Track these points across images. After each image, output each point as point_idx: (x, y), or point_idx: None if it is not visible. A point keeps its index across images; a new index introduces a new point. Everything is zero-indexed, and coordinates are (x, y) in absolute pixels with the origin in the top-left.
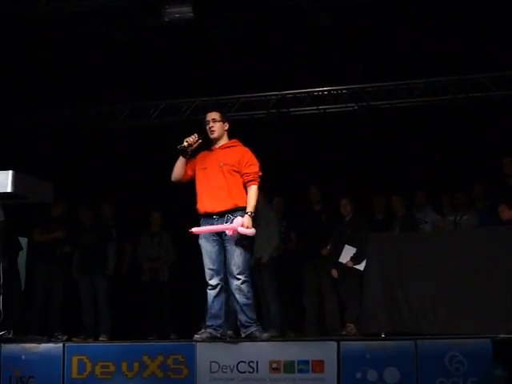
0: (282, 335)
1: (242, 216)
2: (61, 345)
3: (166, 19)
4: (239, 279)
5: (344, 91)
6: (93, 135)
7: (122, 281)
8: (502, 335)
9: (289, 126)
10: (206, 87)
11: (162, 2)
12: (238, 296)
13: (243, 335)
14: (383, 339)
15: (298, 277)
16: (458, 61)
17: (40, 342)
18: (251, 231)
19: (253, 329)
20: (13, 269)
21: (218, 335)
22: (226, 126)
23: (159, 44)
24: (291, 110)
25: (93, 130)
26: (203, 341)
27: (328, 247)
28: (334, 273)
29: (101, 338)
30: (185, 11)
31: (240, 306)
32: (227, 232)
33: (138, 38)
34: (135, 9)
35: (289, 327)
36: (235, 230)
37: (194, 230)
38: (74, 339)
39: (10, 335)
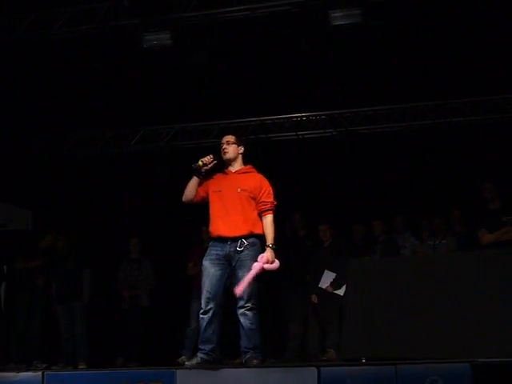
0: (262, 361)
1: (256, 242)
2: (40, 373)
3: (145, 46)
4: (245, 306)
5: (323, 117)
6: (71, 162)
7: (101, 308)
8: (481, 359)
9: (268, 152)
10: (184, 113)
11: (140, 29)
12: (242, 320)
13: (243, 361)
14: (364, 364)
15: (280, 303)
16: (436, 86)
17: (19, 370)
18: (276, 265)
19: (249, 355)
20: None
21: (210, 360)
22: (241, 150)
23: (137, 70)
24: (270, 135)
25: (72, 157)
26: (193, 367)
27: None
28: (314, 298)
29: (80, 366)
30: (163, 38)
31: (244, 331)
32: (253, 271)
33: (117, 64)
34: (114, 36)
35: (269, 353)
36: (261, 268)
37: (241, 288)
38: (54, 367)
39: None
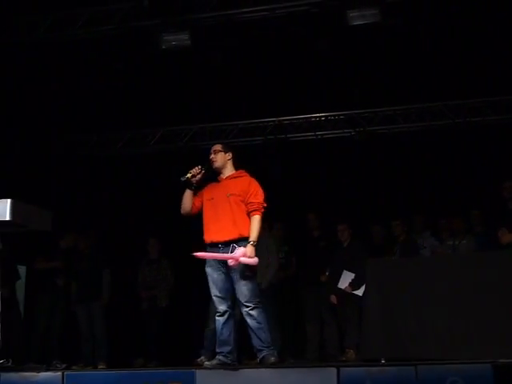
0: (281, 362)
1: (247, 245)
2: (60, 373)
3: (164, 47)
4: (248, 306)
5: (341, 117)
6: (90, 163)
7: (121, 308)
8: (502, 360)
9: (286, 152)
10: (203, 114)
11: (159, 30)
12: (248, 321)
13: (258, 360)
14: (383, 365)
15: (299, 303)
16: (455, 85)
17: (39, 370)
18: (254, 260)
19: (264, 353)
20: (12, 297)
21: (229, 362)
22: (229, 156)
23: (156, 71)
24: (289, 135)
25: (91, 158)
26: (214, 368)
27: (327, 273)
28: (333, 299)
29: (100, 366)
30: (182, 38)
31: (252, 331)
32: (229, 262)
33: (136, 65)
34: (133, 36)
35: (288, 353)
36: (237, 260)
37: (198, 254)
38: (73, 367)
39: (10, 364)
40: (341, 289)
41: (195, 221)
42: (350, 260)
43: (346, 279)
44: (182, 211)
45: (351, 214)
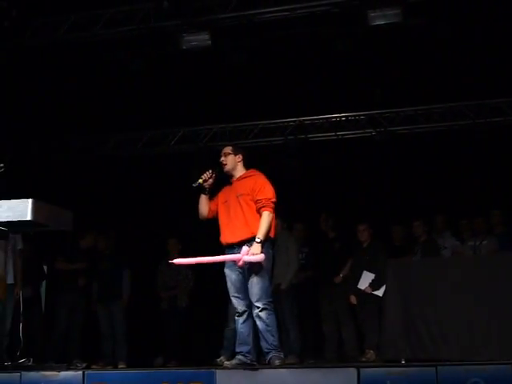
0: (301, 362)
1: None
2: (80, 372)
3: (184, 47)
4: (258, 307)
5: (362, 117)
6: (111, 163)
7: (141, 308)
8: None
9: (307, 152)
10: (224, 114)
11: (179, 30)
12: (258, 323)
13: (266, 362)
14: (404, 365)
15: (317, 303)
16: (476, 86)
17: (60, 369)
18: (259, 257)
19: (271, 355)
20: (35, 296)
21: (248, 361)
22: (239, 158)
23: (177, 71)
24: (309, 136)
25: (111, 158)
26: (233, 367)
27: (341, 275)
28: (353, 299)
29: (120, 366)
30: (202, 39)
31: (261, 333)
32: (237, 263)
33: (156, 65)
34: (153, 37)
35: (308, 354)
36: (241, 260)
37: (175, 261)
38: (94, 366)
39: (30, 363)
40: (361, 289)
41: (214, 221)
42: (369, 260)
43: (366, 280)
44: (199, 217)
45: (371, 214)
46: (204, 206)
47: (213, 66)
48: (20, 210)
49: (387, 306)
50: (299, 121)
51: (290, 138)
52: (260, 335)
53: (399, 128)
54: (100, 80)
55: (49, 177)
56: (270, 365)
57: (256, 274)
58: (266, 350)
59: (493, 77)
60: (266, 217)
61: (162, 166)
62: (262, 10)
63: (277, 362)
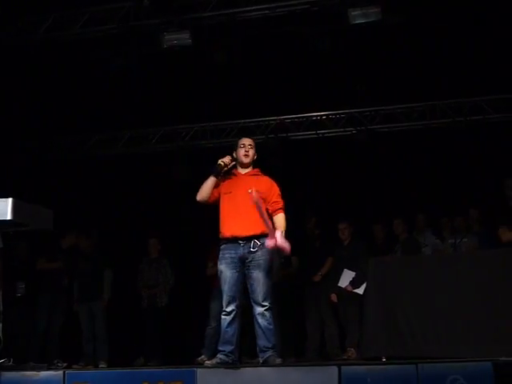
0: (282, 361)
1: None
2: (61, 372)
3: (165, 46)
4: (264, 306)
5: (342, 115)
6: (90, 162)
7: (121, 307)
8: (503, 358)
9: (287, 151)
10: (204, 113)
11: (160, 29)
12: (260, 321)
13: (260, 360)
14: (384, 363)
15: (298, 302)
16: (456, 84)
17: (40, 369)
18: (288, 246)
19: (269, 354)
20: (14, 296)
21: (230, 361)
22: (256, 156)
23: (157, 70)
24: (290, 134)
25: (91, 157)
26: (214, 366)
27: (319, 273)
28: (334, 297)
29: (101, 365)
30: (183, 37)
31: (262, 331)
32: (268, 243)
33: (137, 64)
34: (133, 36)
35: (289, 352)
36: (276, 240)
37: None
38: (74, 366)
39: (10, 363)
40: (341, 287)
41: (195, 221)
42: (350, 258)
43: (346, 278)
44: (198, 197)
45: (352, 212)
46: (210, 189)
47: (194, 64)
48: (0, 209)
49: (368, 304)
50: (280, 119)
51: (270, 136)
52: (260, 333)
53: (379, 126)
54: (80, 79)
55: (29, 176)
56: (266, 363)
57: (263, 274)
58: (263, 349)
59: (473, 75)
60: (284, 217)
61: (143, 165)
62: (243, 9)
63: (278, 361)
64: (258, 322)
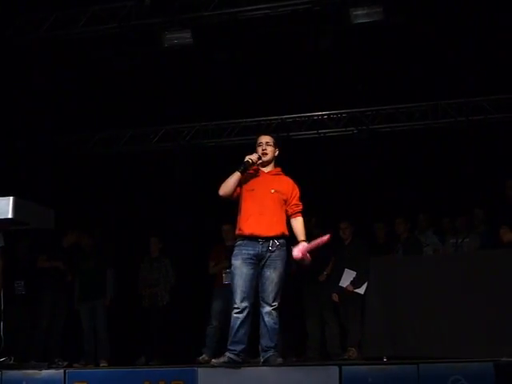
0: (283, 360)
1: (285, 243)
2: (62, 371)
3: (166, 45)
4: (273, 305)
5: (344, 115)
6: (92, 161)
7: (123, 307)
8: (504, 359)
9: (289, 150)
10: (206, 112)
11: (161, 28)
12: (267, 319)
13: (262, 359)
14: (385, 363)
15: (299, 302)
16: (457, 84)
17: (41, 368)
18: (309, 258)
19: (270, 353)
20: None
21: (240, 360)
22: (277, 152)
23: (159, 69)
24: (291, 134)
25: (92, 156)
26: (221, 366)
27: (325, 273)
28: (335, 297)
29: (102, 364)
30: (184, 37)
31: (267, 330)
32: (295, 253)
33: (138, 63)
34: (135, 35)
35: (290, 352)
36: (305, 252)
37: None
38: (75, 365)
39: (12, 361)
40: (342, 287)
41: (196, 220)
42: (351, 258)
43: (347, 277)
44: (221, 192)
45: (354, 212)
46: (234, 185)
47: (195, 63)
48: (1, 207)
49: (369, 304)
50: (281, 119)
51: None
52: (265, 332)
53: (381, 126)
54: (82, 78)
55: (31, 175)
56: (268, 363)
57: (277, 274)
58: (265, 348)
59: (474, 75)
60: (303, 222)
61: (144, 164)
62: (244, 8)
63: (278, 361)
64: (264, 321)
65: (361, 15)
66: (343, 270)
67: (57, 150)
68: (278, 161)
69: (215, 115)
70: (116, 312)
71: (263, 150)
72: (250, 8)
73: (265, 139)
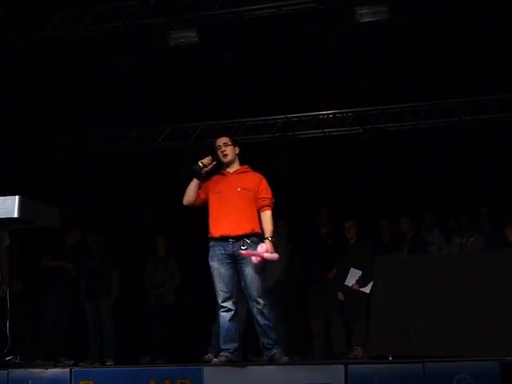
0: (288, 359)
1: (257, 241)
2: (68, 369)
3: (171, 44)
4: (260, 303)
5: (349, 114)
6: (97, 160)
7: (129, 306)
8: (510, 357)
9: (294, 150)
10: (211, 111)
11: (166, 27)
12: (259, 319)
13: (266, 358)
14: (391, 362)
15: (304, 300)
16: (463, 83)
17: (47, 367)
18: (275, 256)
19: (275, 351)
20: (24, 293)
21: (235, 359)
22: (237, 150)
23: (164, 69)
24: (296, 133)
25: (98, 156)
26: (222, 364)
27: (333, 271)
28: (340, 296)
29: (107, 363)
30: (190, 36)
31: (262, 329)
32: (253, 259)
33: (143, 63)
34: (140, 34)
35: (295, 351)
36: (261, 257)
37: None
38: (81, 364)
39: (18, 360)
40: (348, 286)
41: (203, 218)
42: (356, 257)
43: (353, 276)
44: (184, 201)
45: (359, 211)
46: (194, 191)
47: (200, 63)
48: (7, 206)
49: (374, 303)
50: (287, 118)
51: (277, 135)
52: (261, 331)
53: (386, 125)
54: (86, 78)
55: (36, 175)
56: (272, 361)
57: (256, 270)
58: (268, 346)
59: (480, 74)
60: (271, 216)
61: (149, 163)
62: (249, 8)
63: (284, 359)
64: (257, 321)
65: (366, 14)
66: (348, 269)
67: (62, 149)
68: (283, 159)
69: (220, 114)
70: (122, 311)
71: (223, 151)
72: (255, 7)
73: (222, 141)
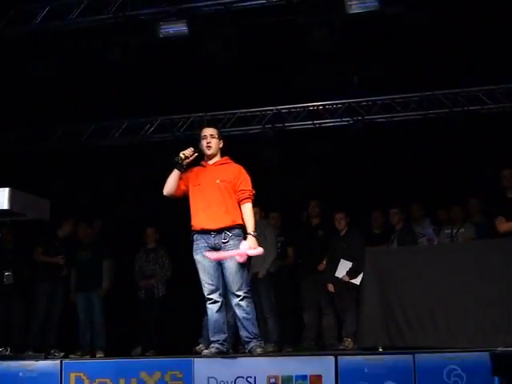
0: (279, 350)
1: (240, 233)
2: (58, 362)
3: (161, 36)
4: (238, 296)
5: (339, 105)
6: (87, 152)
7: (119, 297)
8: (500, 348)
9: (284, 141)
10: (201, 103)
11: (156, 19)
12: (237, 312)
13: (246, 351)
14: (381, 353)
15: (296, 292)
16: (453, 74)
17: (37, 359)
18: (260, 251)
19: (252, 344)
20: (16, 285)
21: (225, 350)
22: (221, 144)
23: (153, 60)
24: (286, 124)
25: (87, 147)
26: (212, 356)
27: (324, 262)
28: (331, 287)
29: (98, 355)
30: (180, 27)
31: (240, 322)
32: (238, 258)
33: (133, 54)
34: (129, 25)
35: (286, 342)
36: (245, 254)
37: (211, 256)
38: (71, 356)
39: (8, 352)
40: (338, 278)
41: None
42: (347, 249)
43: (343, 268)
44: (164, 192)
45: (349, 202)
46: (174, 183)
47: (190, 54)
48: None
49: (365, 295)
50: (277, 109)
51: (267, 126)
52: (239, 324)
53: (376, 117)
54: (76, 69)
55: (27, 166)
56: (250, 354)
57: (236, 263)
58: (246, 339)
59: (470, 65)
60: (251, 209)
61: (139, 154)
62: None
63: (258, 351)
64: (236, 314)
65: (356, 5)
66: (339, 261)
67: (53, 140)
68: (271, 151)
69: (210, 106)
70: (112, 303)
71: (208, 142)
72: None
73: (209, 131)
